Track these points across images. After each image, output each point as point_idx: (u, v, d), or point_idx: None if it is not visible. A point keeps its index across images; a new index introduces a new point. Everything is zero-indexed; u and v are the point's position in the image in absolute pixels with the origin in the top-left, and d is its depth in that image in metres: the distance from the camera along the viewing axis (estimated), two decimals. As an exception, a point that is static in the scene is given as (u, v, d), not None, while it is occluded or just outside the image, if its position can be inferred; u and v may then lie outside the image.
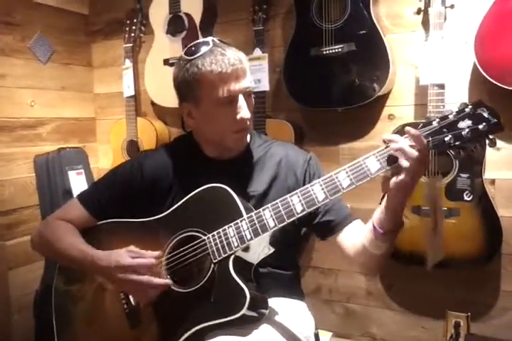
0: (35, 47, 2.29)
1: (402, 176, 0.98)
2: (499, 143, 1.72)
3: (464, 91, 1.77)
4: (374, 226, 1.09)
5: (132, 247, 1.21)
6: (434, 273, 1.75)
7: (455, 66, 1.74)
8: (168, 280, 1.18)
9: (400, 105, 1.91)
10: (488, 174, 1.70)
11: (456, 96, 1.74)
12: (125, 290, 1.23)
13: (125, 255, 1.19)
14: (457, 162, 1.67)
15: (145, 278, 1.16)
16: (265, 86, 2.01)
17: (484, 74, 1.60)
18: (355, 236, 1.21)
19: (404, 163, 0.96)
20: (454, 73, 1.73)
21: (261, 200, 1.25)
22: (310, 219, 1.27)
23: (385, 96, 1.91)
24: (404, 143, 0.97)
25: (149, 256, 1.18)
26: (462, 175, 1.67)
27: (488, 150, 1.68)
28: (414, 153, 0.96)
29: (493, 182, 1.75)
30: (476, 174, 1.66)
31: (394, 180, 1.00)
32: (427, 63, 1.69)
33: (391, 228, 1.07)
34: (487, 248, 1.67)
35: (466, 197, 1.66)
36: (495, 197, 1.72)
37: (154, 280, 1.16)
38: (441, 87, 1.65)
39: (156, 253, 1.20)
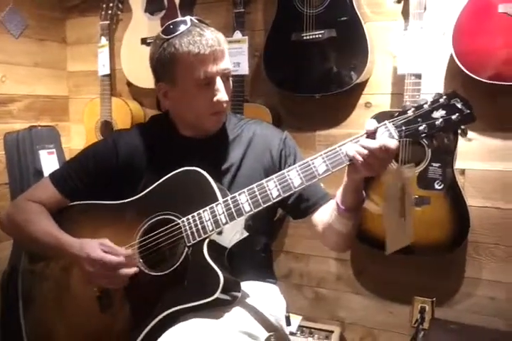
0: (6, 20, 2.20)
1: (358, 167, 1.02)
2: (471, 134, 1.76)
3: (440, 81, 1.79)
4: (337, 204, 1.12)
5: (106, 241, 1.18)
6: (402, 259, 1.80)
7: (432, 57, 1.76)
8: (135, 268, 1.16)
9: (377, 93, 1.92)
10: (458, 164, 1.74)
11: (432, 86, 1.76)
12: (94, 282, 1.21)
13: (97, 248, 1.16)
14: (430, 151, 1.69)
15: (113, 273, 1.14)
16: (244, 69, 1.99)
17: (460, 65, 1.62)
18: (325, 216, 1.23)
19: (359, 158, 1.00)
20: (431, 63, 1.75)
21: (234, 177, 1.25)
22: (285, 200, 1.27)
23: (363, 84, 1.92)
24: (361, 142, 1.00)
25: (121, 254, 1.16)
26: (434, 164, 1.70)
27: (460, 140, 1.72)
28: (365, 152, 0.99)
29: (463, 172, 1.79)
30: (447, 164, 1.69)
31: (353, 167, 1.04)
32: (405, 53, 1.70)
33: (353, 205, 1.11)
34: (454, 236, 1.71)
35: (437, 186, 1.70)
36: (464, 186, 1.77)
37: (122, 272, 1.15)
38: (418, 76, 1.67)
39: (129, 251, 1.18)
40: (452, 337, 1.63)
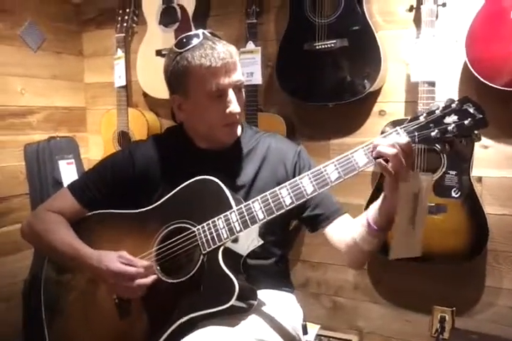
0: (25, 34, 2.26)
1: (387, 177, 1.01)
2: (487, 141, 1.75)
3: (454, 89, 1.79)
4: (368, 223, 1.11)
5: (124, 253, 1.20)
6: (420, 268, 1.78)
7: (446, 64, 1.75)
8: (154, 276, 1.18)
9: (390, 101, 1.92)
10: (475, 171, 1.72)
11: (446, 93, 1.75)
12: (114, 292, 1.23)
13: (115, 260, 1.18)
14: (445, 159, 1.68)
15: (133, 283, 1.16)
16: (258, 79, 2.00)
17: (474, 72, 1.61)
18: (344, 231, 1.22)
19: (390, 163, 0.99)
20: (444, 71, 1.74)
21: (249, 191, 1.26)
22: (300, 212, 1.29)
23: (376, 93, 1.92)
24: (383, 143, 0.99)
25: (139, 266, 1.18)
26: (450, 172, 1.69)
27: (476, 148, 1.71)
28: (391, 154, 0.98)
29: (480, 179, 1.77)
30: (463, 171, 1.68)
31: (385, 181, 1.03)
32: (418, 60, 1.70)
33: (385, 225, 1.09)
34: (473, 244, 1.69)
35: (453, 194, 1.68)
36: (482, 194, 1.74)
37: (141, 282, 1.16)
38: (432, 84, 1.66)
39: (147, 263, 1.19)
40: (474, 348, 1.61)
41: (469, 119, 0.98)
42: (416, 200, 1.08)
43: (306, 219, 1.29)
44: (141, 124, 2.25)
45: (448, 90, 1.78)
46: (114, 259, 1.18)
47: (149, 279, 1.17)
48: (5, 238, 2.11)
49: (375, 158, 1.01)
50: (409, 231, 1.10)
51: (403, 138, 0.99)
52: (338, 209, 1.29)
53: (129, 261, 1.18)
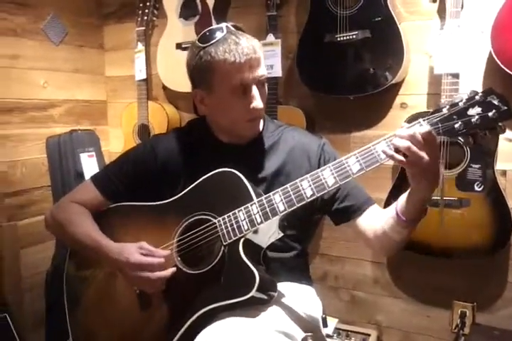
0: (48, 28, 2.28)
1: (408, 168, 1.00)
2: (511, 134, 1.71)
3: (479, 80, 1.76)
4: (397, 214, 1.10)
5: (144, 244, 1.21)
6: (440, 262, 1.76)
7: (470, 55, 1.72)
8: (174, 269, 1.18)
9: (413, 94, 1.90)
10: (499, 165, 1.69)
11: (470, 86, 1.72)
12: (134, 284, 1.24)
13: (136, 252, 1.19)
14: (469, 152, 1.66)
15: (154, 274, 1.17)
16: (278, 72, 2.00)
17: (500, 64, 1.58)
18: (375, 221, 1.22)
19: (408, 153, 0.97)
20: (469, 63, 1.71)
21: (271, 184, 1.25)
22: (329, 205, 1.29)
23: (398, 85, 1.89)
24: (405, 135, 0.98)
25: (159, 255, 1.18)
26: (473, 165, 1.66)
27: (500, 140, 1.67)
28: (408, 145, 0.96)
29: (504, 173, 1.74)
30: (487, 165, 1.65)
31: (408, 174, 1.02)
32: (442, 52, 1.67)
33: (414, 216, 1.09)
34: (496, 239, 1.66)
35: (476, 188, 1.66)
36: (506, 188, 1.71)
37: (163, 274, 1.17)
38: (456, 76, 1.64)
39: (167, 252, 1.20)
40: (496, 343, 1.59)
41: (493, 111, 0.97)
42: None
43: (336, 211, 1.29)
44: (161, 117, 2.26)
45: (472, 82, 1.74)
46: (134, 251, 1.19)
47: (169, 272, 1.18)
48: (27, 229, 2.15)
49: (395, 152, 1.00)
50: None
51: (424, 127, 0.97)
52: (368, 199, 1.28)
53: (149, 252, 1.19)
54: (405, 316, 1.96)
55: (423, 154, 0.97)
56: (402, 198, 1.11)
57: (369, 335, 1.84)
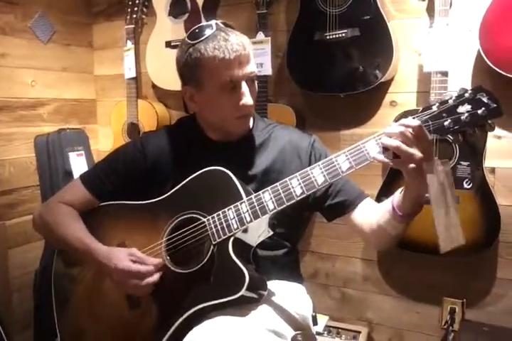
0: (35, 26, 2.26)
1: (401, 168, 1.00)
2: (500, 131, 1.73)
3: (467, 79, 1.77)
4: (394, 208, 1.11)
5: (134, 250, 1.20)
6: (430, 259, 1.77)
7: (459, 53, 1.73)
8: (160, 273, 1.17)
9: (402, 92, 1.90)
10: (488, 162, 1.71)
11: (459, 84, 1.73)
12: (122, 289, 1.22)
13: (125, 258, 1.18)
14: (458, 150, 1.67)
15: (142, 282, 1.15)
16: (267, 70, 1.99)
17: (488, 62, 1.59)
18: (370, 214, 1.22)
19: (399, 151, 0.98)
20: (457, 61, 1.72)
21: (262, 183, 1.25)
22: (322, 202, 1.29)
23: (388, 83, 1.90)
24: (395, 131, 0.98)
25: (150, 263, 1.17)
26: (462, 163, 1.67)
27: (489, 138, 1.69)
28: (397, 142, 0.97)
29: (493, 170, 1.75)
30: (476, 162, 1.66)
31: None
32: (430, 50, 1.68)
33: (410, 211, 1.09)
34: (485, 236, 1.67)
35: (465, 185, 1.67)
36: (494, 185, 1.73)
37: (151, 280, 1.16)
38: (445, 74, 1.64)
39: (157, 260, 1.18)
40: (484, 339, 1.59)
41: (483, 109, 0.97)
42: (444, 190, 1.06)
43: (329, 207, 1.29)
44: (150, 116, 2.25)
45: (461, 80, 1.75)
46: (124, 257, 1.18)
47: (155, 277, 1.16)
48: (16, 229, 2.13)
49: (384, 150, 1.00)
50: (448, 221, 1.09)
51: (414, 122, 0.97)
52: (361, 194, 1.29)
53: (139, 259, 1.17)
54: (395, 313, 1.97)
55: (414, 151, 0.97)
56: (398, 192, 1.11)
57: (359, 332, 1.84)
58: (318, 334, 1.81)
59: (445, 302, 1.84)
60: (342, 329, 1.87)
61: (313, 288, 2.08)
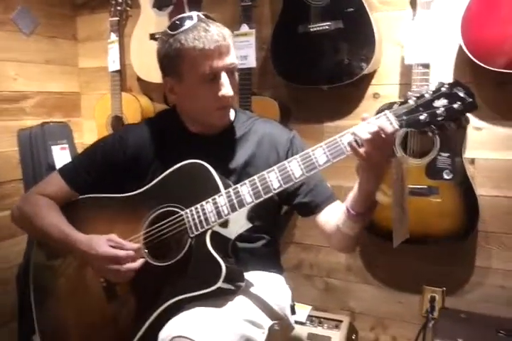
0: (17, 18, 2.24)
1: (359, 160, 1.02)
2: (480, 123, 1.74)
3: (449, 71, 1.78)
4: (347, 208, 1.12)
5: (113, 236, 1.21)
6: (411, 249, 1.79)
7: (441, 46, 1.74)
8: (143, 260, 1.19)
9: (385, 84, 1.91)
10: (468, 153, 1.73)
11: (441, 76, 1.74)
12: (103, 276, 1.24)
13: (104, 244, 1.19)
14: (438, 141, 1.68)
15: (123, 267, 1.17)
16: (252, 62, 1.99)
17: (469, 54, 1.60)
18: (331, 217, 1.24)
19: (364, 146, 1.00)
20: (439, 53, 1.73)
21: (241, 176, 1.26)
22: (291, 199, 1.30)
23: (371, 75, 1.90)
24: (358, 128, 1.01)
25: (129, 248, 1.18)
26: (443, 154, 1.69)
27: (469, 130, 1.70)
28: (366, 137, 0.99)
29: (472, 161, 1.77)
30: (456, 153, 1.68)
31: (359, 167, 1.05)
32: (412, 42, 1.68)
33: (362, 210, 1.11)
34: (464, 225, 1.70)
35: (445, 176, 1.69)
36: (474, 176, 1.75)
37: (132, 266, 1.17)
38: (426, 66, 1.65)
39: (136, 245, 1.20)
40: (462, 326, 1.63)
41: (459, 103, 0.99)
42: (402, 185, 1.08)
43: (297, 205, 1.31)
44: (134, 109, 2.24)
45: (443, 73, 1.76)
46: (103, 243, 1.19)
47: (137, 263, 1.18)
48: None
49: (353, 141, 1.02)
50: (401, 216, 1.11)
51: (389, 126, 0.98)
52: (329, 197, 1.29)
53: (118, 244, 1.19)
54: (378, 302, 2.00)
55: (380, 151, 0.99)
56: (351, 193, 1.12)
57: (341, 321, 1.87)
58: (301, 323, 1.83)
59: (425, 291, 1.88)
60: (324, 318, 1.89)
61: (298, 279, 2.11)
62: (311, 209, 1.29)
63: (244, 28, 2.00)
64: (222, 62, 1.17)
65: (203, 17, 1.21)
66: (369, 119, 1.02)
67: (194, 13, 1.21)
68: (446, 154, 1.69)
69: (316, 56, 1.86)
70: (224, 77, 1.19)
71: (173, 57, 1.19)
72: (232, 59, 1.20)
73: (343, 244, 1.25)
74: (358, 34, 1.80)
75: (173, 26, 1.20)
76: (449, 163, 1.69)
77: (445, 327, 1.64)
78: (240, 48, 1.96)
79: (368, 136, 0.98)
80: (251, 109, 1.95)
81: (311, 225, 2.03)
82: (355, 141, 1.01)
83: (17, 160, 2.23)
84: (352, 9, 1.79)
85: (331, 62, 1.84)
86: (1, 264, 2.15)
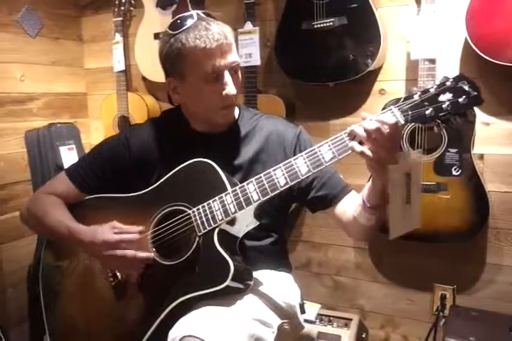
0: (23, 20, 2.25)
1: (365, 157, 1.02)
2: (489, 118, 1.73)
3: (455, 66, 1.76)
4: (363, 200, 1.12)
5: (115, 223, 1.21)
6: (421, 247, 1.79)
7: (446, 41, 1.72)
8: (151, 254, 1.19)
9: (391, 80, 1.90)
10: (477, 149, 1.71)
11: (448, 71, 1.73)
12: (111, 266, 1.25)
13: (108, 231, 1.20)
14: (446, 137, 1.67)
15: (129, 252, 1.18)
16: (256, 60, 1.98)
17: (475, 49, 1.58)
18: (348, 208, 1.23)
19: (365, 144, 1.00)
20: (445, 48, 1.71)
21: (247, 174, 1.25)
22: (305, 194, 1.29)
23: (377, 71, 1.89)
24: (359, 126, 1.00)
25: (133, 231, 1.19)
26: (451, 150, 1.67)
27: (478, 125, 1.69)
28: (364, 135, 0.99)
29: (481, 157, 1.76)
30: (464, 149, 1.66)
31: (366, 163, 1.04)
32: (418, 37, 1.67)
33: (377, 202, 1.10)
34: (474, 222, 1.68)
35: (454, 172, 1.67)
36: (483, 172, 1.73)
37: (138, 254, 1.18)
38: (432, 61, 1.64)
39: (140, 228, 1.21)
40: (473, 324, 1.61)
41: (464, 97, 0.97)
42: (409, 179, 1.07)
43: (312, 199, 1.29)
44: (140, 108, 2.25)
45: (449, 67, 1.75)
46: (107, 230, 1.20)
47: (145, 254, 1.18)
48: (8, 224, 2.13)
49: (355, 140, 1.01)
50: (405, 209, 1.10)
51: (390, 119, 0.98)
52: (345, 188, 1.28)
53: (122, 230, 1.20)
54: (387, 300, 1.99)
55: (385, 148, 0.99)
56: (367, 185, 1.12)
57: (351, 320, 1.86)
58: (311, 322, 1.82)
59: (436, 289, 1.86)
60: (334, 317, 1.88)
61: (307, 277, 2.10)
62: (327, 202, 1.27)
63: (248, 25, 2.00)
64: (224, 60, 1.17)
65: (204, 15, 1.20)
66: (373, 116, 1.00)
67: (194, 12, 1.20)
68: (455, 150, 1.67)
69: (321, 53, 1.85)
70: (227, 76, 1.19)
71: (174, 58, 1.19)
72: (234, 57, 1.20)
73: (361, 234, 1.25)
74: (363, 30, 1.78)
75: (174, 26, 1.19)
76: (457, 159, 1.67)
77: (456, 325, 1.63)
78: (244, 46, 1.95)
79: (370, 133, 0.97)
80: (257, 107, 1.94)
81: (319, 223, 2.07)
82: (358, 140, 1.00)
83: (25, 162, 2.25)
84: (356, 5, 1.78)
85: (336, 59, 1.83)
86: (12, 265, 2.16)
